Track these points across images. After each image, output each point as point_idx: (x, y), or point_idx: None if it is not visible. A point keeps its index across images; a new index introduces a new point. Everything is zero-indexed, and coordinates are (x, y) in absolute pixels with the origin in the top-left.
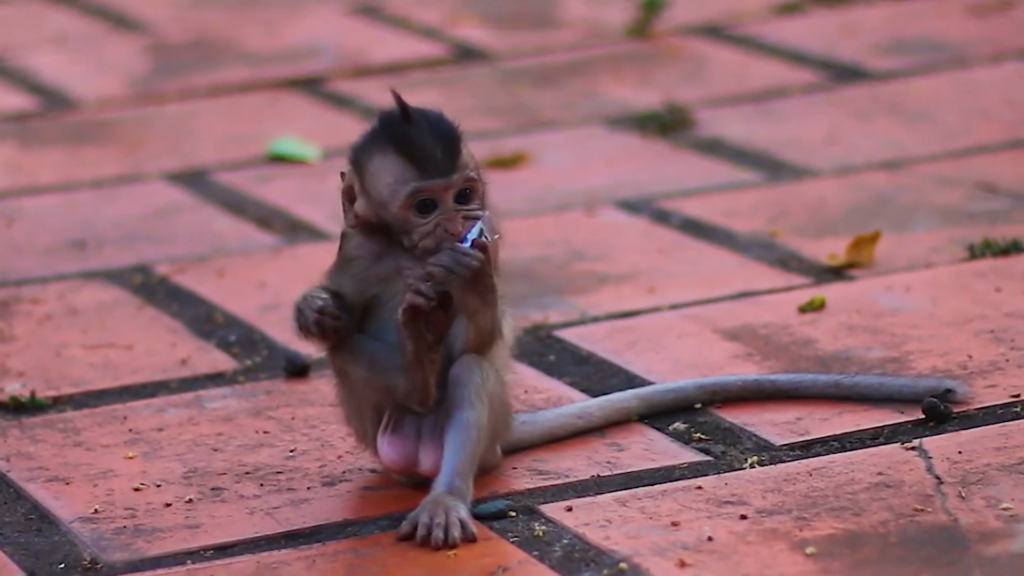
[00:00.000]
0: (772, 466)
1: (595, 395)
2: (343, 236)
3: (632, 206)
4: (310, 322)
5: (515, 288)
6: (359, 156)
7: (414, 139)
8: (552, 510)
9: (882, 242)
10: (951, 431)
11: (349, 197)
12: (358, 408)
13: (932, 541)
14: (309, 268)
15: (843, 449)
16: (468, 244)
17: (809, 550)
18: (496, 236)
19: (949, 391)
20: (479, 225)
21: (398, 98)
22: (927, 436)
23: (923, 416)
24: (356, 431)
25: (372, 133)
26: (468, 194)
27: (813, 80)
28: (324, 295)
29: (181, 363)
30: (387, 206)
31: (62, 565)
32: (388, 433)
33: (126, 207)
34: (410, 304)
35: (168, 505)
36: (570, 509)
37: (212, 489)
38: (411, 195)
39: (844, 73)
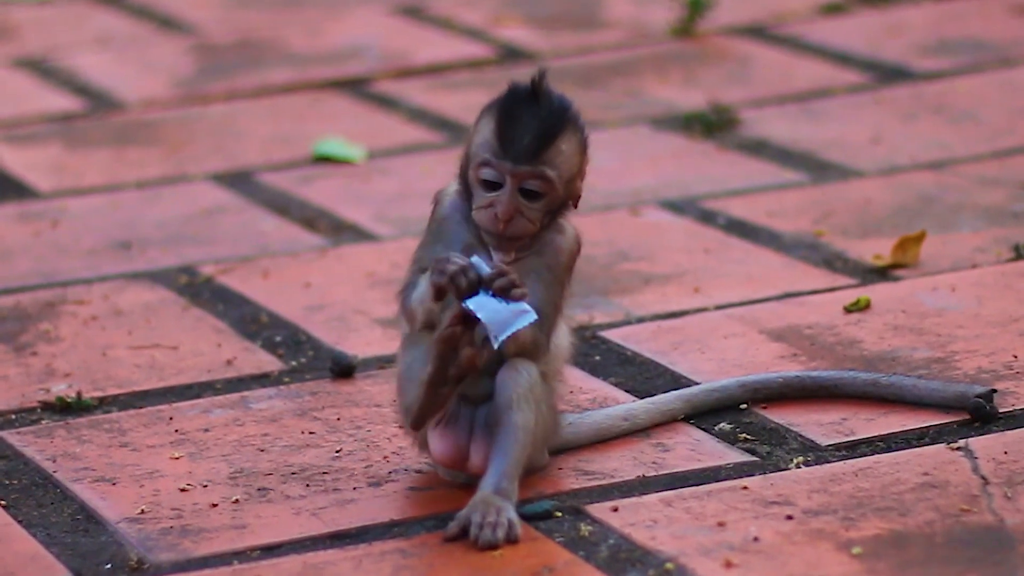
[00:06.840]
0: (818, 466)
1: (640, 396)
2: (436, 202)
3: (677, 206)
4: (457, 273)
5: None
6: (484, 109)
7: (515, 117)
8: (598, 510)
9: (927, 242)
10: (997, 431)
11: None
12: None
13: (978, 541)
14: (355, 269)
15: (889, 449)
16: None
17: (855, 550)
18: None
19: (994, 391)
20: (520, 318)
21: (542, 76)
22: (973, 436)
23: (968, 416)
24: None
25: (501, 94)
26: (536, 192)
27: (858, 80)
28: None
29: (227, 364)
30: (468, 163)
31: (108, 565)
32: (440, 427)
33: (171, 208)
34: (447, 335)
35: (214, 505)
36: (616, 509)
37: (258, 490)
38: (480, 164)
39: (888, 73)
